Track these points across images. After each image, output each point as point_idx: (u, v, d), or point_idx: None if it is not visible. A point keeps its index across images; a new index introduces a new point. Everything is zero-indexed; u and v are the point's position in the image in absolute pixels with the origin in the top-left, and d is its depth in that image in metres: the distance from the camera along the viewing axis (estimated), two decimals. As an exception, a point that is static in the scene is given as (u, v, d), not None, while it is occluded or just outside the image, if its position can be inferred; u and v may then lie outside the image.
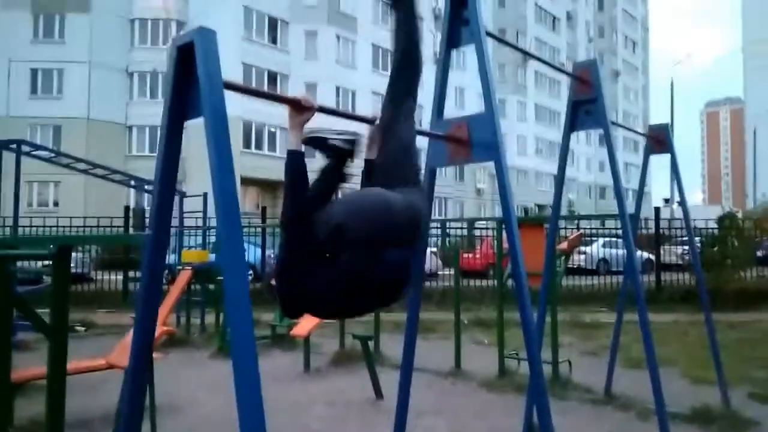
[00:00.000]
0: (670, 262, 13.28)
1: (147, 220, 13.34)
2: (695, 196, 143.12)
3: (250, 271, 14.77)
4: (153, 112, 28.17)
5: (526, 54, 3.76)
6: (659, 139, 4.42)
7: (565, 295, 11.94)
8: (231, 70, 27.44)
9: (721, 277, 11.26)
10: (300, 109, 1.98)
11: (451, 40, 2.70)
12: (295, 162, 1.90)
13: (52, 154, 9.80)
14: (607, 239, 16.90)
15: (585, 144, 49.13)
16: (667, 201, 39.31)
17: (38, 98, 28.45)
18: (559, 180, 3.73)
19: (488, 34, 2.76)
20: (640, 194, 4.61)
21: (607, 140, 3.44)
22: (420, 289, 2.96)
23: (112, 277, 12.64)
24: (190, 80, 1.72)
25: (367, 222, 1.83)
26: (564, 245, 5.69)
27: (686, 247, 13.06)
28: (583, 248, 16.27)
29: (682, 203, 4.50)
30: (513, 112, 43.72)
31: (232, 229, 1.57)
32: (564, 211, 46.20)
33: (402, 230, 1.92)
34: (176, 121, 1.81)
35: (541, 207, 44.45)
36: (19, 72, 28.21)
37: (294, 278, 1.82)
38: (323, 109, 2.08)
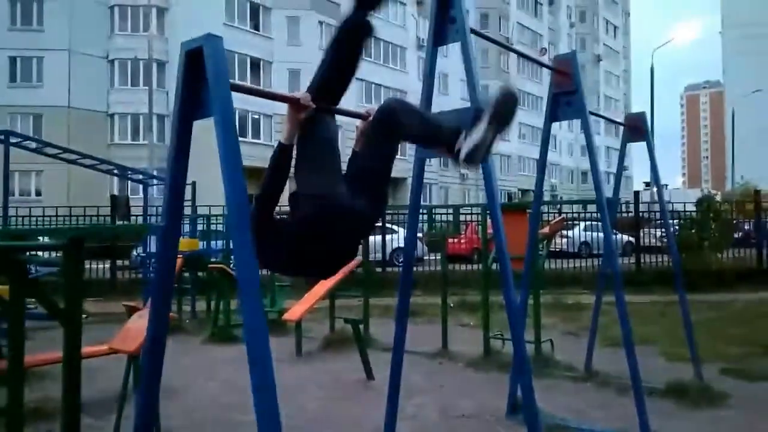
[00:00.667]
0: (650, 245, 13.62)
1: (131, 209, 13.38)
2: (676, 179, 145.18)
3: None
4: (135, 99, 27.99)
5: (507, 48, 3.91)
6: (636, 127, 4.61)
7: (548, 278, 12.21)
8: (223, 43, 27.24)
9: (698, 259, 11.62)
10: (299, 107, 2.13)
11: (438, 38, 2.84)
12: (282, 153, 2.14)
13: (39, 145, 9.79)
14: (589, 223, 17.24)
15: (567, 130, 49.60)
16: (647, 185, 39.95)
17: (18, 86, 28.10)
18: (540, 168, 3.91)
19: (473, 31, 2.91)
20: (618, 180, 4.82)
21: (585, 131, 3.62)
22: (410, 274, 3.12)
23: (98, 265, 12.68)
24: (198, 83, 1.85)
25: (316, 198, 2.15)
26: (546, 230, 5.89)
27: (664, 230, 13.45)
28: (565, 232, 16.62)
29: (658, 188, 4.72)
30: (496, 98, 43.92)
31: (243, 221, 1.72)
32: (546, 196, 46.74)
33: (345, 223, 2.17)
34: (186, 121, 1.95)
35: (524, 192, 44.87)
36: (-3, 60, 27.83)
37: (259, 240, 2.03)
38: (320, 108, 2.22)
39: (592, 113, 3.91)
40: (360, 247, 9.32)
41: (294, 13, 30.73)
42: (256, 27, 30.02)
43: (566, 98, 3.74)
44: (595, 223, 16.36)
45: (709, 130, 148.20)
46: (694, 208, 13.18)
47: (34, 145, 9.73)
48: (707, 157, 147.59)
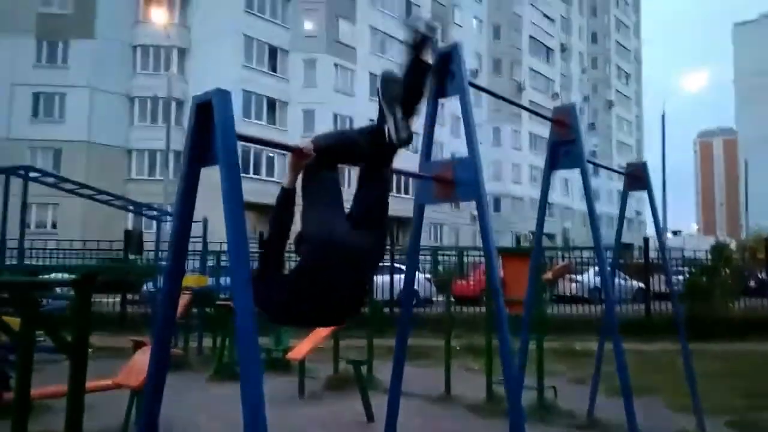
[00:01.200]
0: (661, 291, 13.50)
1: (144, 244, 13.58)
2: (690, 225, 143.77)
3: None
4: (153, 136, 28.60)
5: (507, 101, 4.06)
6: (636, 176, 4.70)
7: (557, 324, 12.12)
8: (231, 98, 27.89)
9: (709, 307, 11.50)
10: (301, 155, 2.26)
11: (439, 91, 2.98)
12: (285, 198, 2.26)
13: (57, 180, 10.06)
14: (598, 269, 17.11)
15: (579, 173, 49.69)
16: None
17: (39, 122, 28.87)
18: (540, 215, 4.00)
19: (472, 84, 3.05)
20: (620, 227, 4.89)
21: (584, 180, 3.72)
22: (409, 314, 3.19)
23: (108, 299, 12.80)
24: (207, 133, 1.99)
25: (318, 238, 2.22)
26: (549, 275, 5.93)
27: (678, 277, 13.35)
28: (576, 277, 16.50)
29: (659, 236, 4.78)
30: (508, 141, 44.33)
31: (243, 267, 1.82)
32: (559, 240, 46.55)
33: (346, 256, 2.24)
34: (194, 168, 2.08)
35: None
36: (21, 96, 28.68)
37: (263, 286, 2.12)
38: (321, 155, 2.34)
39: (591, 162, 4.01)
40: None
41: (310, 56, 31.53)
42: (273, 69, 30.80)
43: (565, 147, 3.85)
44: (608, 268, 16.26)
45: (723, 176, 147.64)
46: (707, 256, 13.08)
47: (52, 180, 9.99)
48: (722, 204, 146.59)
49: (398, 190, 28.52)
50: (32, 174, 9.27)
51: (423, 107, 2.73)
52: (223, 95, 1.95)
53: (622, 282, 15.81)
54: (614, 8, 60.95)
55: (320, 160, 2.30)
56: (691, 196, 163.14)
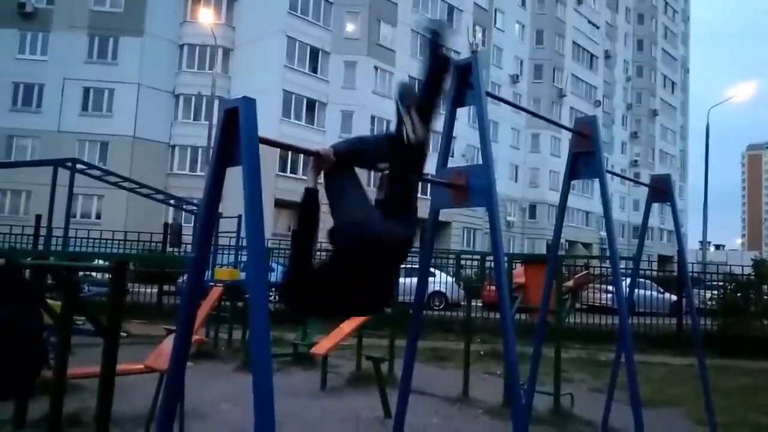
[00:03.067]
0: (698, 306, 13.23)
1: (183, 237, 14.04)
2: (734, 240, 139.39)
3: (277, 291, 15.25)
4: (195, 133, 29.35)
5: (522, 110, 4.15)
6: (660, 189, 4.73)
7: (584, 334, 12.07)
8: (272, 97, 28.46)
9: (742, 324, 11.26)
10: (320, 159, 2.44)
11: (457, 101, 3.11)
12: (309, 197, 2.38)
13: (102, 173, 10.52)
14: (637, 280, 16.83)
15: (619, 182, 48.83)
16: (702, 243, 38.60)
17: (88, 115, 29.92)
18: (558, 223, 4.08)
19: (488, 94, 3.17)
20: (641, 239, 4.91)
21: (602, 190, 3.79)
22: (420, 315, 3.32)
23: (147, 290, 13.29)
24: (233, 137, 2.17)
25: (354, 230, 2.36)
26: (570, 283, 5.97)
27: (714, 292, 13.07)
28: (608, 287, 16.27)
29: (680, 250, 4.78)
30: (546, 147, 43.85)
31: (259, 262, 1.99)
32: (596, 249, 45.83)
33: (379, 241, 2.39)
34: (221, 167, 2.26)
35: (571, 243, 44.17)
36: (72, 90, 29.79)
37: (297, 283, 2.30)
38: (340, 159, 2.50)
39: (610, 172, 4.07)
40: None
41: (351, 58, 31.85)
42: (314, 70, 31.22)
43: (585, 158, 3.93)
44: (642, 280, 16.02)
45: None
46: (742, 271, 12.77)
47: (97, 173, 10.45)
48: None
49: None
50: (78, 166, 9.73)
51: (441, 108, 2.85)
52: (248, 103, 2.13)
53: (658, 295, 15.57)
54: (662, 15, 59.59)
55: (340, 164, 2.46)
56: (737, 210, 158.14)
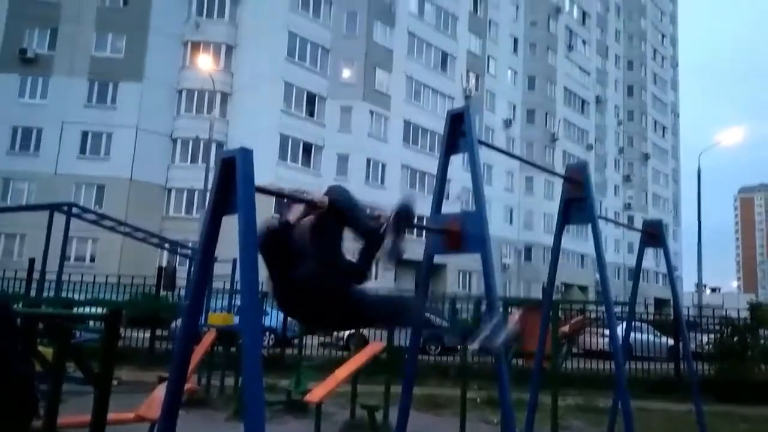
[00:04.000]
0: (695, 351, 13.13)
1: (177, 280, 13.95)
2: (730, 282, 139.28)
3: (272, 336, 15.11)
4: (192, 176, 29.52)
5: (514, 157, 4.22)
6: (652, 234, 4.77)
7: (582, 379, 11.90)
8: (269, 140, 28.79)
9: (740, 369, 11.16)
10: (314, 207, 2.49)
11: (450, 148, 3.18)
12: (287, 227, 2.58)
13: (98, 217, 10.54)
14: (633, 324, 16.72)
15: (613, 225, 49.09)
16: (697, 286, 38.59)
17: (86, 158, 30.12)
18: (552, 268, 4.10)
19: (481, 142, 3.24)
20: (635, 284, 4.92)
21: (594, 235, 3.82)
22: (414, 361, 3.30)
23: (139, 334, 13.10)
24: (230, 186, 2.20)
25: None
26: (566, 328, 5.95)
27: (711, 336, 12.98)
28: (605, 331, 16.15)
29: (674, 295, 4.79)
30: (540, 190, 44.23)
31: (253, 306, 2.00)
32: (592, 292, 45.68)
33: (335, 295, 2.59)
34: (217, 216, 2.29)
35: (567, 286, 44.05)
36: (70, 133, 30.06)
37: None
38: (336, 212, 2.54)
39: (602, 218, 4.11)
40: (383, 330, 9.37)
41: (347, 103, 32.38)
42: (311, 114, 31.69)
43: (577, 204, 3.98)
44: (638, 323, 15.92)
45: (765, 233, 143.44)
46: (738, 314, 12.72)
47: (93, 217, 10.47)
48: (763, 261, 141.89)
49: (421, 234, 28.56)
50: (75, 211, 9.75)
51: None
52: (245, 153, 2.17)
53: (655, 339, 15.45)
54: (651, 62, 61.12)
55: (328, 214, 2.53)
56: (731, 252, 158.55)
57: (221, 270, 11.61)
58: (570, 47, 48.85)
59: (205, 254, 2.33)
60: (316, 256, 2.52)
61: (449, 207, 3.44)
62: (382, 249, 2.71)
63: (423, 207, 3.21)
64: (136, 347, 12.75)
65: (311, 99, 31.72)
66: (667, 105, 64.07)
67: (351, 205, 2.76)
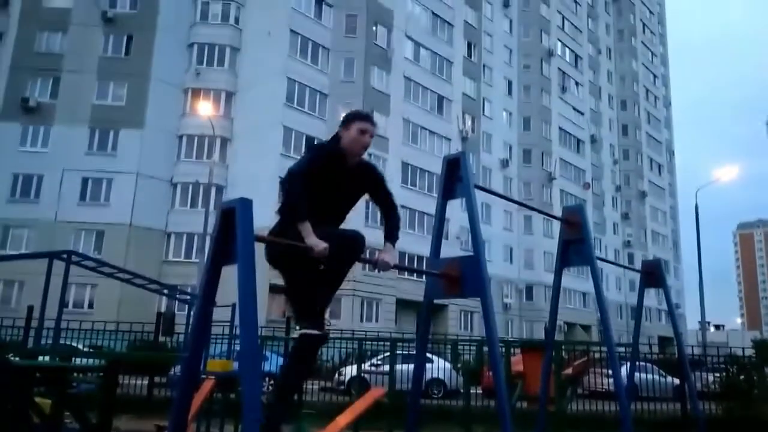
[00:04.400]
0: (701, 390, 12.92)
1: (175, 326, 13.84)
2: (734, 319, 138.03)
3: (271, 381, 14.88)
4: (191, 220, 29.62)
5: (510, 200, 4.26)
6: (652, 273, 4.78)
7: (588, 421, 11.68)
8: (269, 184, 28.96)
9: (748, 407, 10.96)
10: (312, 252, 2.55)
11: (447, 193, 3.22)
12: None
13: (97, 264, 10.52)
14: (637, 364, 16.53)
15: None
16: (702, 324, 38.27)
17: (86, 204, 30.23)
18: (553, 309, 4.09)
19: (478, 187, 3.28)
20: (637, 323, 4.91)
21: (594, 277, 3.83)
22: (417, 405, 3.27)
23: (137, 381, 12.89)
24: (230, 236, 2.23)
25: None
26: (569, 370, 5.88)
27: (716, 374, 12.78)
28: (609, 371, 15.91)
29: (676, 334, 4.77)
30: (539, 229, 44.31)
31: (253, 357, 2.00)
32: (594, 332, 45.18)
33: None
34: (216, 266, 2.31)
35: (570, 325, 43.65)
36: (70, 180, 30.25)
37: None
38: (332, 263, 2.57)
39: (601, 259, 4.13)
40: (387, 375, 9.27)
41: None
42: (309, 158, 32.01)
43: (575, 246, 4.00)
44: (643, 363, 15.70)
45: (766, 268, 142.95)
46: (743, 352, 12.56)
47: (92, 264, 10.45)
48: (766, 297, 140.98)
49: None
50: (74, 258, 9.74)
51: None
52: (245, 204, 2.20)
53: (660, 378, 15.22)
54: (644, 101, 62.11)
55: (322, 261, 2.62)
56: (734, 289, 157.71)
57: (220, 315, 11.54)
58: (563, 89, 49.73)
59: (204, 302, 2.34)
60: None
61: (448, 247, 3.47)
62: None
63: (422, 247, 3.26)
64: (134, 395, 12.53)
65: (311, 143, 32.06)
66: (662, 143, 64.80)
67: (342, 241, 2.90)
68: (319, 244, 2.64)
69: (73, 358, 8.70)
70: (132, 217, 30.35)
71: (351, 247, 2.88)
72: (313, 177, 2.97)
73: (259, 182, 27.67)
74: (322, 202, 3.02)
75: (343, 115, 3.37)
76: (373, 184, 3.29)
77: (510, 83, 46.71)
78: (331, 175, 3.07)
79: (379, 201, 3.29)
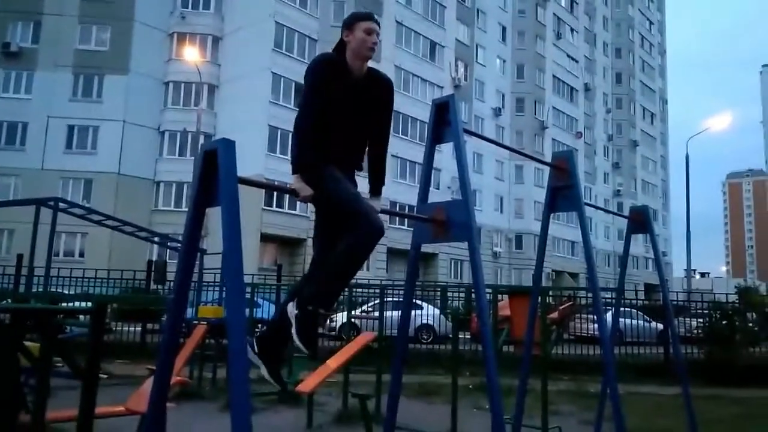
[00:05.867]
0: (684, 335, 13.28)
1: (167, 274, 13.91)
2: (719, 268, 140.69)
3: (264, 327, 15.11)
4: (180, 168, 29.39)
5: (499, 145, 4.22)
6: (638, 220, 4.80)
7: (572, 365, 12.02)
8: (258, 132, 28.64)
9: (729, 352, 11.29)
10: (296, 195, 2.51)
11: (436, 138, 3.17)
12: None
13: (85, 212, 10.45)
14: (622, 309, 16.91)
15: (603, 212, 49.40)
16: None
17: (72, 153, 29.87)
18: (540, 254, 4.12)
19: (467, 131, 3.24)
20: (623, 270, 4.96)
21: (581, 223, 3.84)
22: (404, 349, 3.31)
23: (130, 328, 13.07)
24: (212, 178, 2.19)
25: None
26: (555, 314, 5.99)
27: (700, 320, 13.13)
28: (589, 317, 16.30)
29: (661, 280, 4.83)
30: (531, 178, 44.37)
31: (238, 299, 2.00)
32: (582, 279, 45.99)
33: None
34: (200, 209, 2.28)
35: (558, 273, 44.32)
36: (56, 128, 29.78)
37: None
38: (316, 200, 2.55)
39: (588, 204, 4.14)
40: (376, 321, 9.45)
41: (336, 93, 32.22)
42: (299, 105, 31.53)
43: (564, 192, 3.99)
44: (628, 309, 16.08)
45: (753, 218, 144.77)
46: (734, 298, 12.85)
47: (80, 211, 10.38)
48: (752, 246, 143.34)
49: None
50: (61, 205, 9.66)
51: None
52: (227, 144, 2.15)
53: (645, 323, 15.61)
54: (639, 49, 61.28)
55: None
56: (720, 238, 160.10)
57: (213, 263, 11.58)
58: (558, 35, 48.85)
59: (188, 246, 2.32)
60: None
61: (439, 197, 3.45)
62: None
63: (412, 197, 3.24)
64: (128, 341, 12.73)
65: (300, 90, 31.51)
66: (656, 92, 64.34)
67: (338, 190, 2.77)
68: (304, 189, 2.59)
69: (61, 303, 8.75)
70: (120, 166, 30.05)
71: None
72: (322, 94, 2.78)
73: (248, 130, 27.33)
74: (333, 124, 2.81)
75: (344, 19, 3.08)
76: (385, 98, 3.03)
77: (504, 29, 45.80)
78: (339, 88, 2.84)
79: (377, 125, 3.03)
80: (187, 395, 7.69)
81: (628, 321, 15.67)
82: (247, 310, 10.68)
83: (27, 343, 3.27)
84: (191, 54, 27.47)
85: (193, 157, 25.11)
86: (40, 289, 10.32)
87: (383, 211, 3.04)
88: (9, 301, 8.60)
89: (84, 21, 30.73)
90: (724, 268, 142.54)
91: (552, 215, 4.10)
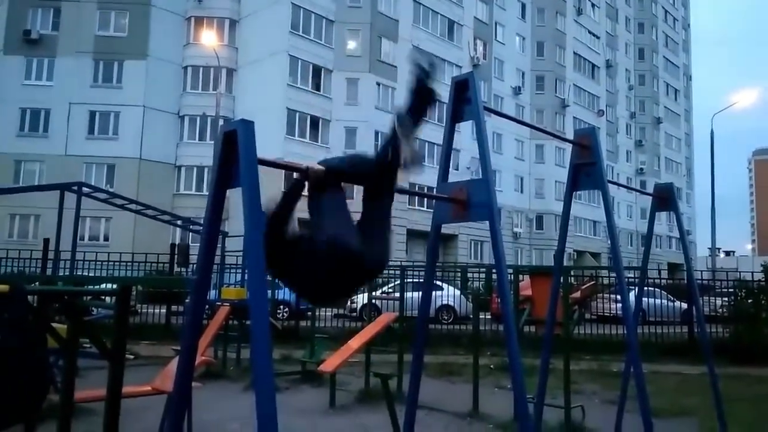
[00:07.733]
0: (709, 314, 13.11)
1: (190, 257, 14.09)
2: (745, 246, 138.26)
3: (286, 308, 15.28)
4: (201, 152, 29.57)
5: (520, 122, 4.16)
6: (663, 198, 4.72)
7: (596, 345, 11.97)
8: (276, 115, 28.66)
9: (755, 331, 11.13)
10: (307, 176, 2.48)
11: (455, 116, 3.13)
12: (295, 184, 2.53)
13: (108, 196, 10.61)
14: (646, 289, 16.71)
15: (626, 190, 48.67)
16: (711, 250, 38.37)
17: (95, 138, 30.21)
18: (562, 234, 4.07)
19: (487, 109, 3.19)
20: (647, 249, 4.89)
21: (605, 201, 3.78)
22: (424, 329, 3.31)
23: (156, 310, 13.31)
24: (232, 159, 2.19)
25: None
26: (577, 294, 5.94)
27: (725, 299, 12.94)
28: (617, 297, 16.12)
29: (687, 259, 4.75)
30: (551, 158, 43.84)
31: (260, 279, 2.00)
32: (605, 259, 45.58)
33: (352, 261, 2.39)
34: (221, 189, 2.28)
35: (580, 253, 43.96)
36: (78, 114, 30.12)
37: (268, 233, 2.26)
38: (329, 175, 2.53)
39: (612, 182, 4.07)
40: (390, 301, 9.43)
41: (353, 75, 32.05)
42: (317, 87, 31.43)
43: (587, 169, 3.93)
44: (651, 288, 15.89)
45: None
46: (760, 277, 12.59)
47: (103, 195, 10.54)
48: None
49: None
50: (85, 190, 9.81)
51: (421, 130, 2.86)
52: (247, 125, 2.15)
53: (669, 303, 15.45)
54: (662, 24, 59.79)
55: (328, 180, 2.49)
56: (746, 216, 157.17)
57: (235, 245, 11.69)
58: (579, 11, 47.84)
59: (210, 228, 2.33)
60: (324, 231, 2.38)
61: (459, 177, 3.42)
62: (402, 160, 2.58)
63: (432, 178, 3.20)
64: (153, 323, 12.96)
65: (317, 72, 31.43)
66: (679, 68, 62.83)
67: (348, 158, 2.72)
68: (315, 166, 2.53)
69: (87, 286, 8.92)
70: (141, 151, 30.36)
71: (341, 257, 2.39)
72: None
73: (266, 113, 27.34)
74: None
75: None
76: None
77: (524, 6, 44.97)
78: None
79: None
80: (212, 375, 7.83)
81: (651, 300, 15.51)
82: (269, 292, 10.78)
83: (55, 325, 3.34)
84: (209, 38, 27.48)
85: (212, 141, 25.25)
86: (66, 273, 10.53)
87: (404, 192, 3.02)
88: (36, 284, 8.77)
89: (103, 7, 30.89)
90: (749, 246, 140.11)
91: (573, 195, 4.04)
